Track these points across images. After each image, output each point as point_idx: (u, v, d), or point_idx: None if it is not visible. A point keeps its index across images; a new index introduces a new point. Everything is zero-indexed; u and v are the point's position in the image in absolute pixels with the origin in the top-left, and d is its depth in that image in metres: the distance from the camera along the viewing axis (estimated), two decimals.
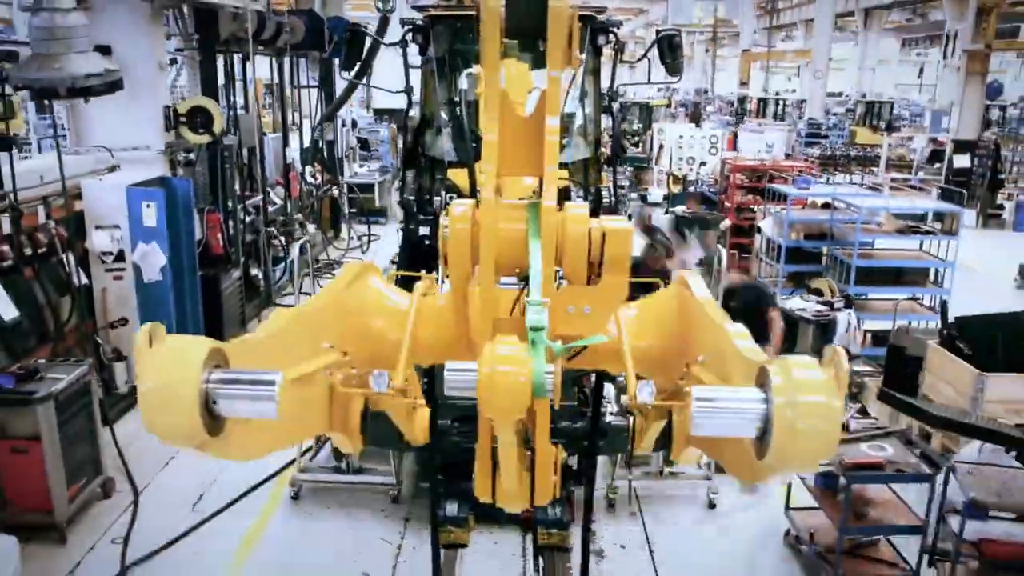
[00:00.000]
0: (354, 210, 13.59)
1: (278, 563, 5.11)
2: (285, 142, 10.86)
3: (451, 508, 4.80)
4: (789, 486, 5.45)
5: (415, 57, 5.99)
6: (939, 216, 9.10)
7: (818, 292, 7.50)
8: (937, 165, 16.47)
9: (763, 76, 54.54)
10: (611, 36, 5.81)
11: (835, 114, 30.65)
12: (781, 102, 33.06)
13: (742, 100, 32.28)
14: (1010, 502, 4.36)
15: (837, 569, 4.72)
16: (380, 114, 18.90)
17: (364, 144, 16.21)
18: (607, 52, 6.05)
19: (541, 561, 4.73)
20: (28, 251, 6.28)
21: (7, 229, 6.11)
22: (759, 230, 9.61)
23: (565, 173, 5.51)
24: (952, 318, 6.07)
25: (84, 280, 6.97)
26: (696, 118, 22.81)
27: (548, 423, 2.14)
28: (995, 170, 15.89)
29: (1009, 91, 27.51)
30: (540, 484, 2.41)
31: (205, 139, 7.83)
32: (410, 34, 5.77)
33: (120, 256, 7.12)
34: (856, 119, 27.83)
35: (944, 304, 6.27)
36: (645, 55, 6.16)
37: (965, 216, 16.35)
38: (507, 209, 2.18)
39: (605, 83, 6.24)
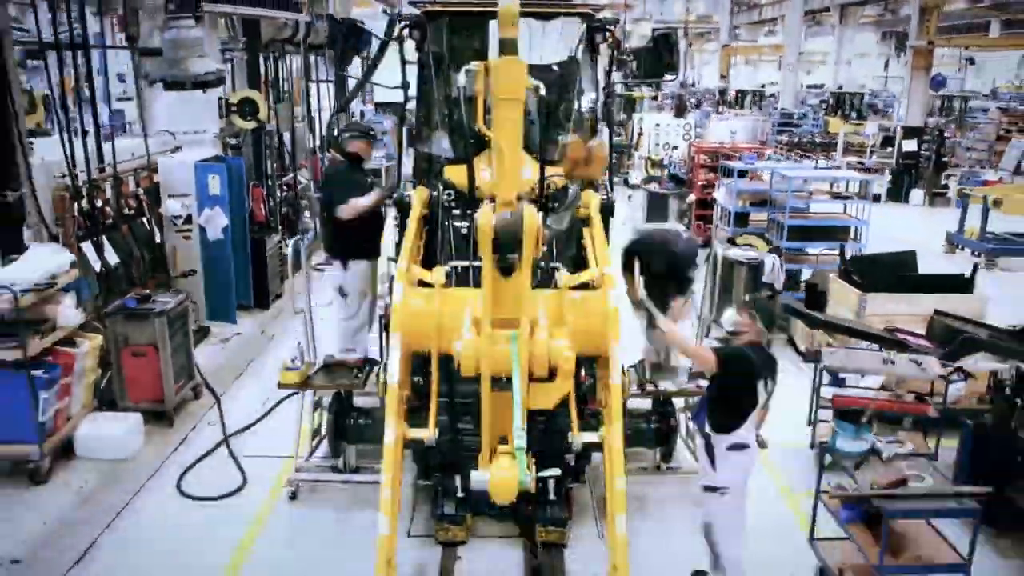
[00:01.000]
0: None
1: (276, 563, 5.01)
2: (311, 130, 12.52)
3: (449, 506, 4.90)
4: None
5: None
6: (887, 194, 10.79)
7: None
8: (889, 149, 18.19)
9: (751, 69, 56.37)
10: (607, 34, 5.90)
11: (810, 105, 32.46)
12: (758, 94, 34.79)
13: (722, 92, 34.04)
14: None
15: None
16: (381, 107, 20.50)
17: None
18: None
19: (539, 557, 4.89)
20: (124, 212, 7.94)
21: (108, 195, 7.77)
22: (716, 201, 11.33)
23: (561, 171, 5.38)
24: (849, 255, 7.81)
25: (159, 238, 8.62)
26: (681, 110, 24.44)
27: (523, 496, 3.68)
28: (939, 154, 17.65)
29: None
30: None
31: (252, 125, 9.47)
32: (406, 30, 5.83)
33: (188, 219, 8.76)
34: (828, 109, 29.55)
35: (842, 247, 7.99)
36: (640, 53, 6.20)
37: (914, 195, 18.16)
38: (499, 342, 3.70)
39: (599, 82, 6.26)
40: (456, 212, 5.17)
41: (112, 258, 7.59)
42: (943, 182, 17.57)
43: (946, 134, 20.96)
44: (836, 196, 10.08)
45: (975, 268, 7.64)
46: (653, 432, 5.68)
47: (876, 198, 17.99)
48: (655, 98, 31.90)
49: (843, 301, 7.48)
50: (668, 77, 6.12)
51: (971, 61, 27.23)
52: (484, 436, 3.98)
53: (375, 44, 6.20)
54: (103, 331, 6.46)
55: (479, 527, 5.22)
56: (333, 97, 13.53)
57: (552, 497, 4.96)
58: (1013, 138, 18.15)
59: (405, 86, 6.12)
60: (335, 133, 14.52)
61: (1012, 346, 5.75)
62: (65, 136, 6.87)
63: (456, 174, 5.27)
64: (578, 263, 4.97)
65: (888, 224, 12.16)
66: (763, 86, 39.49)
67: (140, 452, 6.29)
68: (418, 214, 4.99)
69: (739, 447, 4.25)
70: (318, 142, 12.88)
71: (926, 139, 17.85)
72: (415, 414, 4.30)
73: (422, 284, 4.33)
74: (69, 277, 6.06)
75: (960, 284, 7.32)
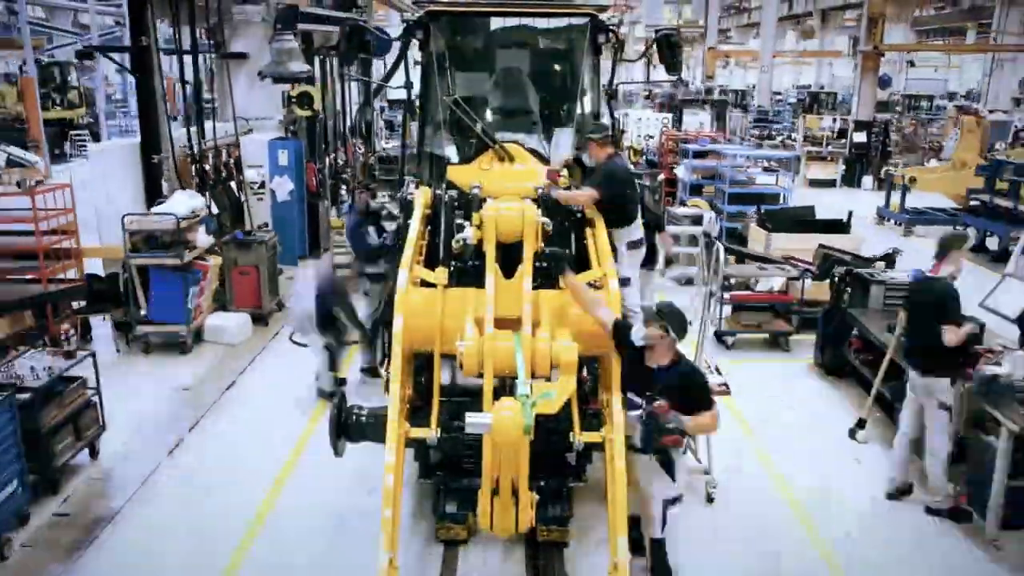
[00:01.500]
0: (384, 176, 17.88)
1: (275, 564, 4.96)
2: (345, 121, 15.14)
3: (451, 505, 4.85)
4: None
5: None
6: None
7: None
8: (843, 140, 20.79)
9: (742, 71, 58.90)
10: (611, 34, 5.93)
11: (789, 103, 35.14)
12: (742, 93, 37.43)
13: (708, 91, 36.55)
14: None
15: None
16: (393, 104, 23.17)
17: (390, 125, 20.52)
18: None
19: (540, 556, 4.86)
20: (220, 175, 10.55)
21: (211, 162, 10.38)
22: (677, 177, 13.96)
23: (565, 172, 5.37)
24: (763, 211, 10.45)
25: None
26: (669, 107, 27.00)
27: (528, 444, 3.61)
28: (884, 144, 20.26)
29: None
30: (523, 517, 3.99)
31: (308, 113, 12.06)
32: (410, 30, 5.91)
33: (262, 185, 11.36)
34: (805, 107, 32.15)
35: (759, 205, 10.63)
36: (644, 54, 6.52)
37: (866, 180, 20.68)
38: (502, 340, 3.88)
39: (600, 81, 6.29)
40: (459, 211, 5.02)
41: (215, 208, 10.22)
42: (888, 168, 20.14)
43: (903, 127, 23.66)
44: (767, 170, 12.68)
45: (894, 251, 9.68)
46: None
47: (832, 183, 20.69)
48: (648, 95, 34.54)
49: (758, 240, 10.09)
50: (671, 76, 6.14)
51: (911, 63, 29.99)
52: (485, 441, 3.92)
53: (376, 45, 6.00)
54: (221, 255, 9.07)
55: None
56: (358, 93, 16.16)
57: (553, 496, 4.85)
58: (952, 129, 20.73)
59: (409, 86, 6.24)
60: (361, 124, 17.33)
61: (855, 263, 8.36)
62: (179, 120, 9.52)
63: (459, 175, 5.29)
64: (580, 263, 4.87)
65: (838, 203, 14.71)
66: (753, 86, 42.14)
67: (247, 340, 8.89)
68: (421, 214, 4.94)
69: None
70: (346, 131, 15.46)
71: (874, 131, 20.44)
72: (417, 413, 4.39)
73: (424, 284, 4.42)
74: (202, 213, 8.68)
75: (841, 227, 9.92)
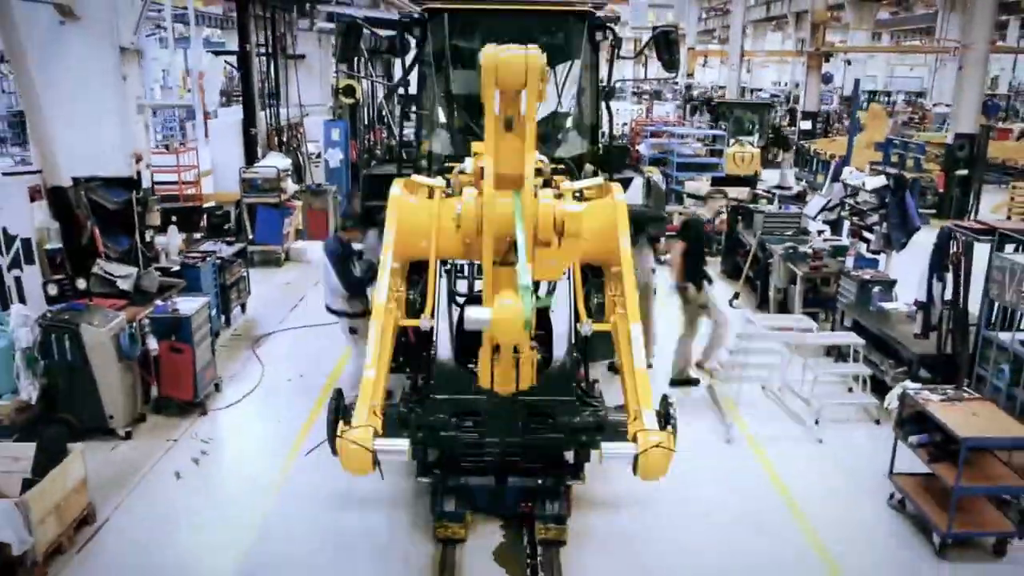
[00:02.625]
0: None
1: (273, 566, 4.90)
2: (375, 109, 18.70)
3: (449, 504, 4.81)
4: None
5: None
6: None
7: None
8: (793, 128, 24.33)
9: (727, 69, 62.54)
10: (608, 32, 5.90)
11: (762, 97, 38.67)
12: (718, 88, 40.99)
13: (688, 88, 40.07)
14: None
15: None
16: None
17: (406, 116, 24.15)
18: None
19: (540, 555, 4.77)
20: (291, 146, 14.07)
21: (285, 136, 13.88)
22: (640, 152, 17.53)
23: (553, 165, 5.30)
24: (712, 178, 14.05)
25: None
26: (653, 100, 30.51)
27: (529, 339, 3.69)
28: (826, 132, 23.82)
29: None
30: (524, 373, 4.00)
31: (351, 102, 15.59)
32: (407, 28, 5.87)
33: (318, 155, 14.87)
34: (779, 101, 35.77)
35: (701, 171, 14.22)
36: (642, 51, 6.66)
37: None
38: (501, 199, 3.65)
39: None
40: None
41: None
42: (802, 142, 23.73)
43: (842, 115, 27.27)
44: (708, 149, 16.32)
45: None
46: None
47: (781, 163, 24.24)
48: (636, 92, 38.10)
49: (697, 190, 13.67)
50: (668, 73, 6.16)
51: (848, 62, 33.88)
52: (483, 348, 4.00)
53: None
54: (300, 199, 12.61)
55: (478, 525, 5.15)
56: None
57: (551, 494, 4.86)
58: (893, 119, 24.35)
59: (406, 84, 6.33)
60: (383, 113, 20.84)
61: (742, 202, 11.94)
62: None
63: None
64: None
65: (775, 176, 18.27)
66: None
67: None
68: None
69: None
70: (374, 119, 18.98)
71: (818, 120, 24.01)
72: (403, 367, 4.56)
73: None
74: (289, 168, 12.23)
75: (750, 182, 13.51)
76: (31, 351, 6.09)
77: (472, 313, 3.38)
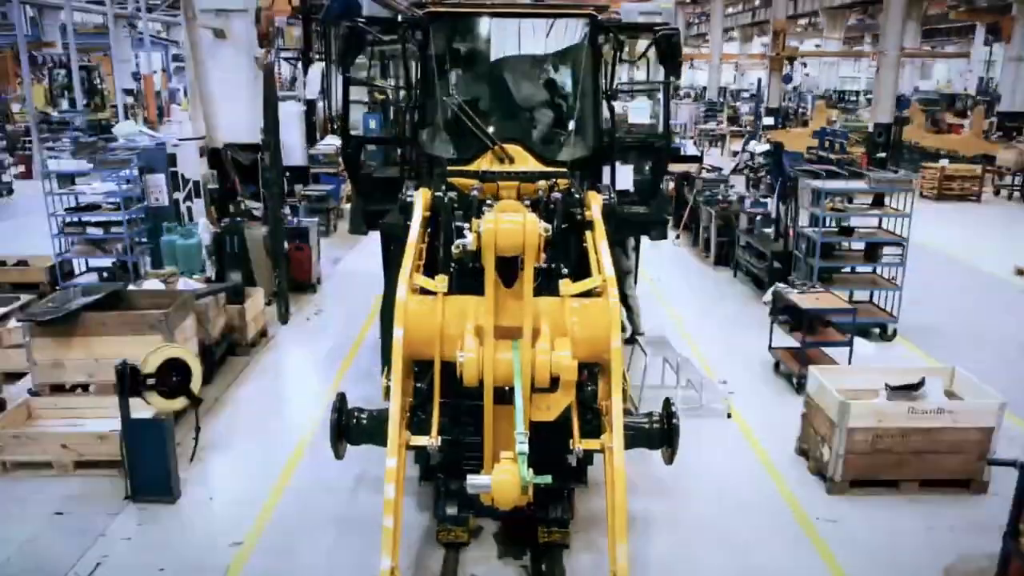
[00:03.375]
0: None
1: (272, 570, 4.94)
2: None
3: (451, 507, 4.89)
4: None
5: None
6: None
7: None
8: (757, 121, 28.02)
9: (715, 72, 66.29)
10: (611, 34, 5.88)
11: (742, 97, 42.41)
12: (703, 88, 44.74)
13: (676, 88, 43.82)
14: None
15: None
16: None
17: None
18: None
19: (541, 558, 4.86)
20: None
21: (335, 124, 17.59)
22: None
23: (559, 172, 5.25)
24: None
25: None
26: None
27: (527, 501, 3.63)
28: (784, 124, 27.50)
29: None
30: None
31: (381, 97, 19.29)
32: (408, 31, 5.88)
33: None
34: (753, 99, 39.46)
35: None
36: (644, 54, 6.41)
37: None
38: (499, 350, 3.90)
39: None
40: (459, 214, 4.89)
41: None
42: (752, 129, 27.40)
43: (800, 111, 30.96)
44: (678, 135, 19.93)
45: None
46: (656, 432, 4.71)
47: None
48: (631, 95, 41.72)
49: None
50: (671, 76, 6.05)
51: (804, 64, 37.80)
52: (486, 447, 4.09)
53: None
54: None
55: (481, 528, 5.22)
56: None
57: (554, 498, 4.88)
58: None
59: (408, 87, 6.33)
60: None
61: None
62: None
63: (459, 176, 5.23)
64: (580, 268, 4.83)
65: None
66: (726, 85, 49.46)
67: None
68: (420, 216, 4.80)
69: None
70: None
71: (780, 114, 27.70)
72: (417, 418, 4.36)
73: (424, 292, 4.27)
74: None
75: (697, 159, 17.18)
76: (210, 247, 9.79)
77: (473, 480, 3.55)
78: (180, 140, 10.79)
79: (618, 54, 6.18)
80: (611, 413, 3.95)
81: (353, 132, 7.91)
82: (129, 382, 5.35)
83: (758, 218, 11.45)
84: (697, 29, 57.80)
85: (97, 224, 10.18)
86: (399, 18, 6.79)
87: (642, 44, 6.57)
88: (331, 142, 15.75)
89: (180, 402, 5.63)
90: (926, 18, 34.71)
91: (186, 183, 10.53)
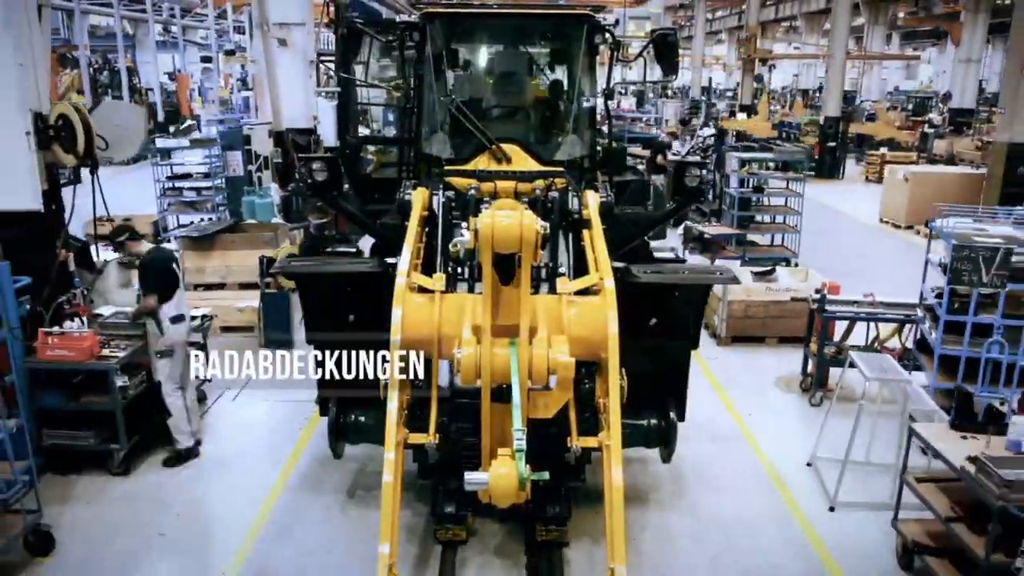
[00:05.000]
0: None
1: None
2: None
3: (449, 506, 4.90)
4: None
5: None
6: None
7: None
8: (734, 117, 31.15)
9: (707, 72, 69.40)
10: (607, 35, 5.83)
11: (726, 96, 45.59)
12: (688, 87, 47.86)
13: (664, 87, 47.01)
14: None
15: None
16: None
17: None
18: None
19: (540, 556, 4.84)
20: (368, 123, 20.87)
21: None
22: None
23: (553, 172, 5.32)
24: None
25: None
26: (640, 100, 37.11)
27: (525, 498, 3.63)
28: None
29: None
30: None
31: (398, 94, 22.39)
32: (406, 31, 5.81)
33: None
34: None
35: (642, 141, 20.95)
36: (641, 54, 6.39)
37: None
38: (497, 348, 3.84)
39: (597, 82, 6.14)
40: (456, 214, 5.00)
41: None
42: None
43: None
44: (649, 125, 23.05)
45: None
46: (654, 430, 5.02)
47: None
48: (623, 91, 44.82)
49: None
50: (667, 76, 6.08)
51: (772, 67, 41.01)
52: (484, 445, 4.09)
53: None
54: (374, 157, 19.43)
55: (479, 526, 5.19)
56: None
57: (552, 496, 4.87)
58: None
59: (407, 86, 6.40)
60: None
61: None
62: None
63: (457, 180, 5.26)
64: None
65: None
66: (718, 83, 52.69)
67: None
68: (418, 216, 4.84)
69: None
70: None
71: (752, 111, 30.82)
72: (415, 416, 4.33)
73: (422, 290, 4.27)
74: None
75: (668, 145, 20.27)
76: (279, 204, 12.85)
77: (470, 477, 3.57)
78: (253, 125, 13.86)
79: (615, 54, 6.16)
80: (608, 411, 3.96)
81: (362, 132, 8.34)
82: (265, 268, 8.43)
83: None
84: (689, 31, 60.80)
85: (191, 189, 13.28)
86: (397, 19, 6.69)
87: (637, 45, 7.15)
88: (363, 132, 18.83)
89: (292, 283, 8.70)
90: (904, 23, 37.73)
91: (257, 158, 13.61)
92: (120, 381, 5.72)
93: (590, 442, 4.16)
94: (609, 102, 6.17)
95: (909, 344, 7.42)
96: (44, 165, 5.96)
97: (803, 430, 6.81)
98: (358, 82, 6.49)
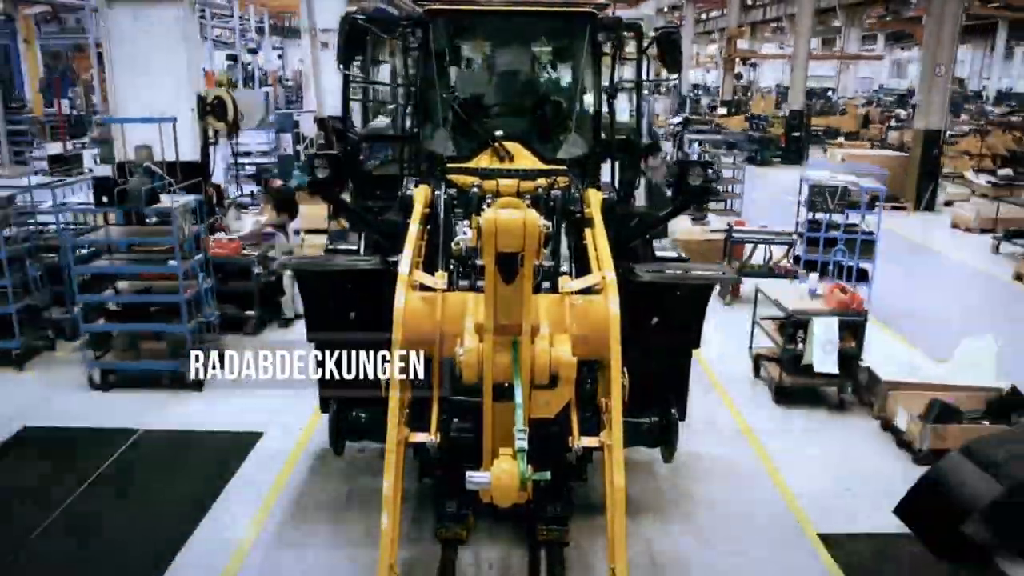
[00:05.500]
0: None
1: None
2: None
3: (451, 505, 4.93)
4: None
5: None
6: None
7: None
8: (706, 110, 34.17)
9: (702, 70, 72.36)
10: (611, 33, 5.86)
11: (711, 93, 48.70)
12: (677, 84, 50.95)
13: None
14: None
15: None
16: None
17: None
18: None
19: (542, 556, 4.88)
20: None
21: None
22: None
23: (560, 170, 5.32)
24: None
25: None
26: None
27: (526, 498, 3.65)
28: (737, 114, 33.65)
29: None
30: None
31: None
32: (409, 28, 5.88)
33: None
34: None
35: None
36: (644, 51, 6.21)
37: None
38: (499, 347, 3.78)
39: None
40: (459, 211, 5.02)
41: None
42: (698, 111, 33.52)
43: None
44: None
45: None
46: (656, 429, 5.04)
47: None
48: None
49: None
50: (671, 75, 6.18)
51: (754, 65, 43.93)
52: (485, 444, 4.08)
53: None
54: None
55: (480, 525, 5.22)
56: None
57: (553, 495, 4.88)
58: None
59: (408, 85, 6.37)
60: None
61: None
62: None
63: (459, 174, 5.28)
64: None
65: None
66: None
67: None
68: (420, 213, 4.87)
69: None
70: None
71: (732, 107, 33.88)
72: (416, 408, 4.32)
73: (424, 288, 4.28)
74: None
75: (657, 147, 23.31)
76: None
77: (472, 476, 3.60)
78: (302, 112, 16.93)
79: (619, 52, 6.18)
80: (610, 410, 3.98)
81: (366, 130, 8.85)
82: (330, 213, 11.48)
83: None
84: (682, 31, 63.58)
85: (251, 164, 16.33)
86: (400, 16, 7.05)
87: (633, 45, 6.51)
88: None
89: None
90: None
91: (304, 139, 16.68)
92: (256, 270, 8.77)
93: (592, 441, 4.15)
94: (614, 100, 6.09)
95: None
96: (201, 130, 9.02)
97: (717, 321, 9.54)
98: (357, 79, 6.90)
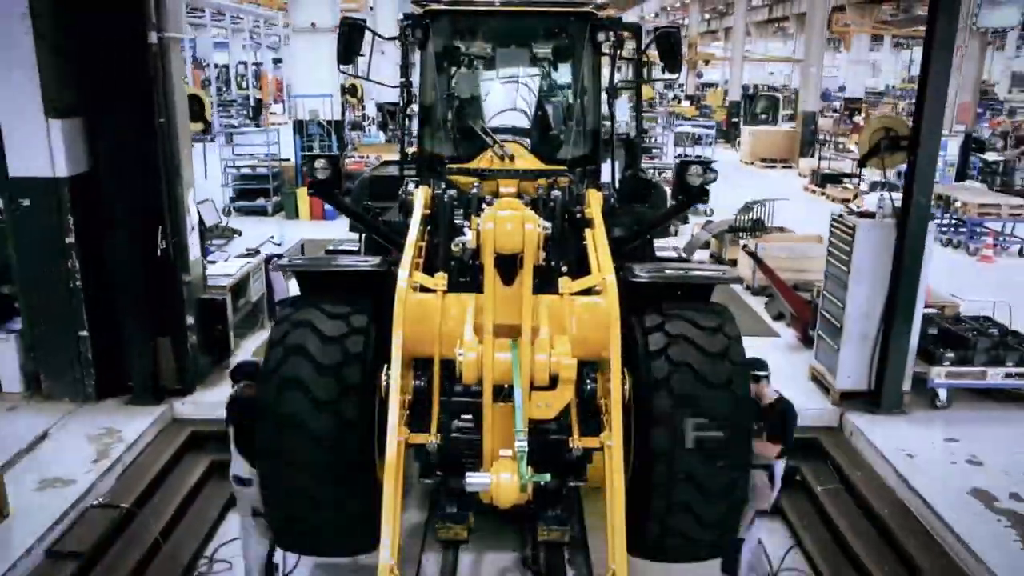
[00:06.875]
0: None
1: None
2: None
3: (451, 505, 4.77)
4: None
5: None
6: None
7: None
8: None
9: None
10: (611, 33, 5.83)
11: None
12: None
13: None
14: None
15: None
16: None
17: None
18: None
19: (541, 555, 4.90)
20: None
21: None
22: None
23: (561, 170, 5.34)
24: None
25: None
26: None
27: (526, 500, 3.66)
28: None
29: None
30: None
31: (354, 101, 32.45)
32: (409, 28, 5.78)
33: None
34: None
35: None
36: (644, 51, 6.23)
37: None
38: (499, 351, 3.79)
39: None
40: (459, 212, 4.96)
41: None
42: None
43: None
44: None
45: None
46: None
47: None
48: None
49: None
50: (671, 75, 6.06)
51: (707, 62, 49.39)
52: (485, 445, 4.03)
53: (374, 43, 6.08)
54: None
55: (481, 525, 5.02)
56: None
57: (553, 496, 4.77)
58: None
59: (407, 86, 6.24)
60: None
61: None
62: None
63: (459, 174, 5.27)
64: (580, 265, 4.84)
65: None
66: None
67: None
68: (421, 215, 4.85)
69: None
70: None
71: (695, 100, 40.89)
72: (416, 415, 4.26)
73: (424, 289, 4.27)
74: None
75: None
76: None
77: (472, 478, 3.57)
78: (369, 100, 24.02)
79: (618, 52, 6.19)
80: (610, 410, 3.95)
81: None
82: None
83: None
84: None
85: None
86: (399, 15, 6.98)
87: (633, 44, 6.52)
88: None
89: None
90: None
91: (368, 118, 23.76)
92: None
93: (592, 442, 4.13)
94: (614, 100, 6.08)
95: None
96: (342, 103, 16.08)
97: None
98: (357, 77, 6.50)
